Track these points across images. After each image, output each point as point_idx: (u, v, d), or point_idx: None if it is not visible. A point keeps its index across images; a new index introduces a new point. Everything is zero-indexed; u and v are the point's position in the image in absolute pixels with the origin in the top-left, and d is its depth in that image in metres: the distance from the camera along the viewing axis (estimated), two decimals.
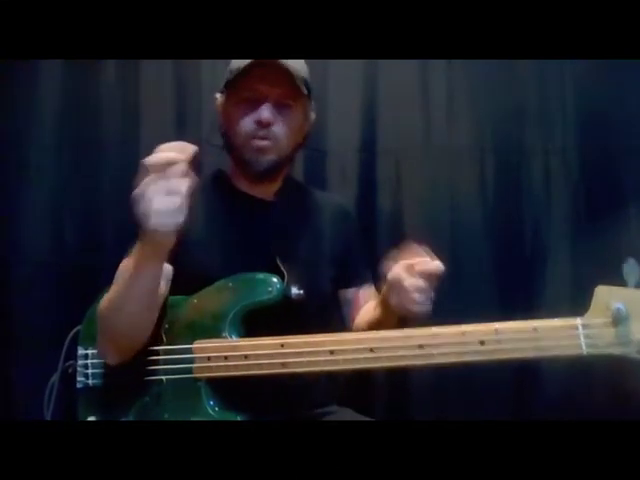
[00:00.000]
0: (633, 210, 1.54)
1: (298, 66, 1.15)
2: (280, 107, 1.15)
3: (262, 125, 1.13)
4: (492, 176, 1.64)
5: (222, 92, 1.21)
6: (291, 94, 1.15)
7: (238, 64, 1.14)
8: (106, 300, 1.02)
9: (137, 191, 0.87)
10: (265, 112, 1.12)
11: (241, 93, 1.15)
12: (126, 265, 1.00)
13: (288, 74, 1.12)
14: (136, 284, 0.96)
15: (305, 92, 1.16)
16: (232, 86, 1.16)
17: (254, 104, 1.14)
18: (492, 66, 1.62)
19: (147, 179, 0.87)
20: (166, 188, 0.86)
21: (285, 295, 1.06)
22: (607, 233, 1.45)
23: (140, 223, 0.88)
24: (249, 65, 1.12)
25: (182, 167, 0.87)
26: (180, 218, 0.87)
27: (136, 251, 0.96)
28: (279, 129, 1.14)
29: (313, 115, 1.25)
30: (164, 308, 1.06)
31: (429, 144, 1.65)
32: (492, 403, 1.53)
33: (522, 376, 1.54)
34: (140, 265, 0.95)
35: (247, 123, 1.14)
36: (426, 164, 1.64)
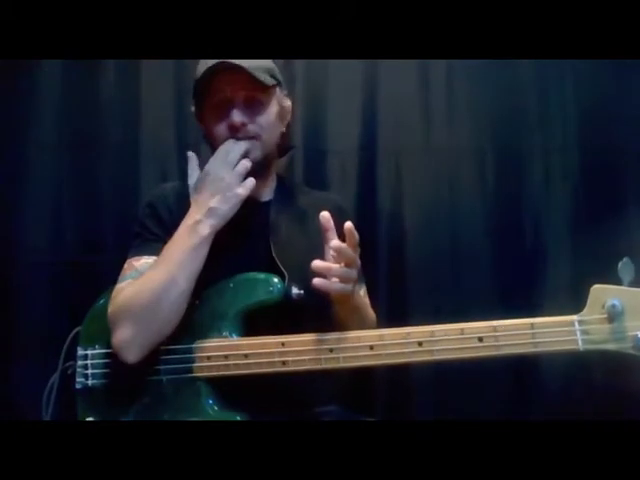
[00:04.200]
0: (632, 210, 1.55)
1: (257, 62, 1.15)
2: (251, 104, 1.15)
3: (236, 129, 1.14)
4: (492, 176, 1.64)
5: (194, 104, 1.23)
6: (257, 90, 1.15)
7: (199, 71, 1.15)
8: (147, 288, 1.03)
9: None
10: (236, 116, 1.13)
11: (211, 97, 1.16)
12: (173, 250, 1.05)
13: (246, 73, 1.12)
14: (194, 263, 1.04)
15: (270, 82, 1.16)
16: (201, 93, 1.18)
17: (225, 108, 1.14)
18: (492, 66, 1.63)
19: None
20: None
21: (285, 295, 1.06)
22: (607, 233, 1.45)
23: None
24: (209, 71, 1.13)
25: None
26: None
27: (193, 232, 1.05)
28: (255, 126, 1.15)
29: (288, 101, 1.25)
30: None
31: (429, 144, 1.65)
32: (492, 403, 1.53)
33: (522, 376, 1.54)
34: (201, 245, 1.05)
35: (222, 129, 1.15)
36: (426, 164, 1.64)
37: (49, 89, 1.63)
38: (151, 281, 1.03)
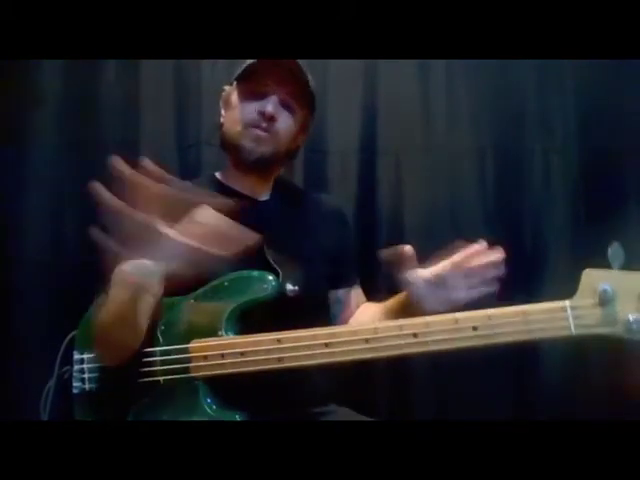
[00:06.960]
0: (633, 210, 1.54)
1: (309, 75, 1.20)
2: (284, 106, 1.18)
3: (265, 117, 1.15)
4: (492, 176, 1.64)
5: (232, 84, 1.24)
6: (297, 95, 1.19)
7: (253, 60, 1.18)
8: (104, 311, 1.01)
9: None
10: (270, 105, 1.16)
11: (250, 86, 1.18)
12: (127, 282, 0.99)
13: (299, 74, 1.17)
14: (145, 306, 0.97)
15: (311, 96, 1.21)
16: (243, 79, 1.20)
17: (260, 97, 1.17)
18: (492, 66, 1.63)
19: None
20: None
21: (280, 292, 1.06)
22: (607, 233, 1.44)
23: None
24: (263, 62, 1.16)
25: None
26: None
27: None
28: (280, 125, 1.17)
29: (311, 126, 1.29)
30: (160, 309, 1.05)
31: (429, 144, 1.65)
32: (492, 403, 1.53)
33: (522, 376, 1.54)
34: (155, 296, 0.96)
35: (250, 113, 1.17)
36: (426, 164, 1.64)
37: (49, 89, 1.63)
38: (108, 307, 1.00)
